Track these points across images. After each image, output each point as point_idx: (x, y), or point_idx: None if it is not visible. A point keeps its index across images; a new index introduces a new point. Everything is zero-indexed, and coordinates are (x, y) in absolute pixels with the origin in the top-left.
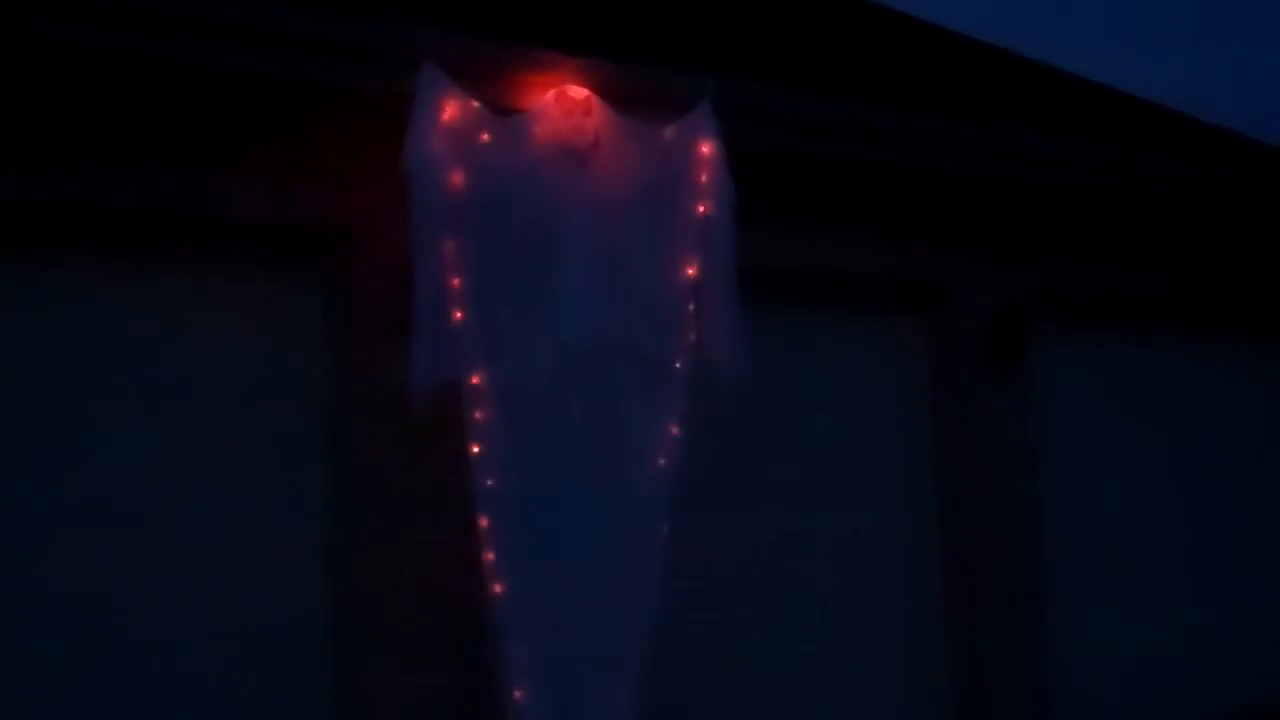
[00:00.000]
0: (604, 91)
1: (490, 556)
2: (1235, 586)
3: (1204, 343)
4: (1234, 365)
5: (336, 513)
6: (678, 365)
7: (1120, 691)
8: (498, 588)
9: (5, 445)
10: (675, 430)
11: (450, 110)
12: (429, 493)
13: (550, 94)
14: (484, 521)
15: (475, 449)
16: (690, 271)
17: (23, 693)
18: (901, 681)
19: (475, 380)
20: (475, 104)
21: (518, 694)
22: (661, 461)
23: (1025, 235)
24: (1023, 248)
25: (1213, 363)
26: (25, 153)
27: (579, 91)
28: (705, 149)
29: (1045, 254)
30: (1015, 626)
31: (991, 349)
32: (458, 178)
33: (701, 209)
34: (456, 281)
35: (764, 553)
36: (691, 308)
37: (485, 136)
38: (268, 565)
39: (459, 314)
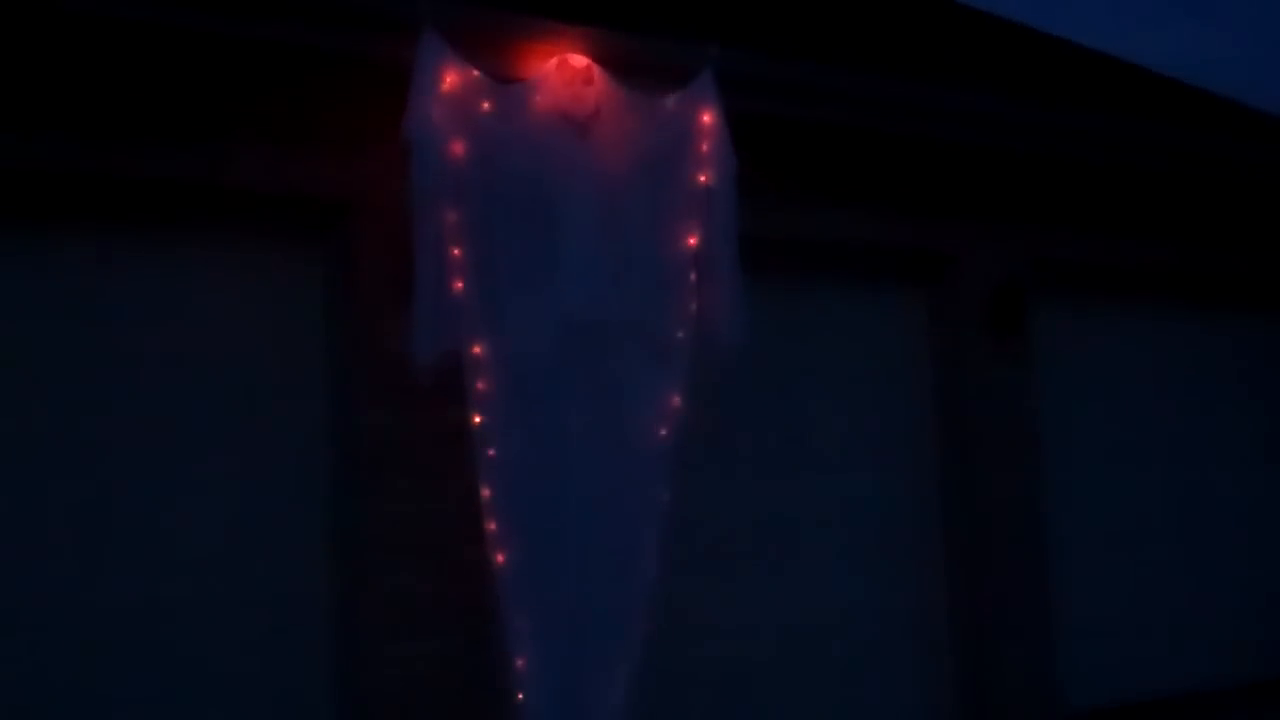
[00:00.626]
0: (605, 60)
1: (492, 526)
2: (1238, 558)
3: (1207, 314)
4: (1237, 336)
5: (338, 483)
6: (679, 335)
7: (1120, 660)
8: (500, 557)
9: (6, 413)
10: (676, 400)
11: (450, 79)
12: (431, 463)
13: (551, 63)
14: (486, 491)
15: (477, 419)
16: (691, 241)
17: (18, 661)
18: (901, 649)
19: (477, 350)
20: (475, 73)
21: (520, 662)
22: (662, 431)
23: (1028, 206)
24: (1025, 219)
25: (1216, 334)
26: (26, 120)
27: (580, 60)
28: (706, 118)
29: (1048, 225)
30: (1016, 596)
31: (993, 320)
32: (458, 147)
33: (703, 178)
34: (457, 251)
35: (763, 521)
36: (693, 277)
37: (485, 105)
38: (269, 535)
39: (460, 284)
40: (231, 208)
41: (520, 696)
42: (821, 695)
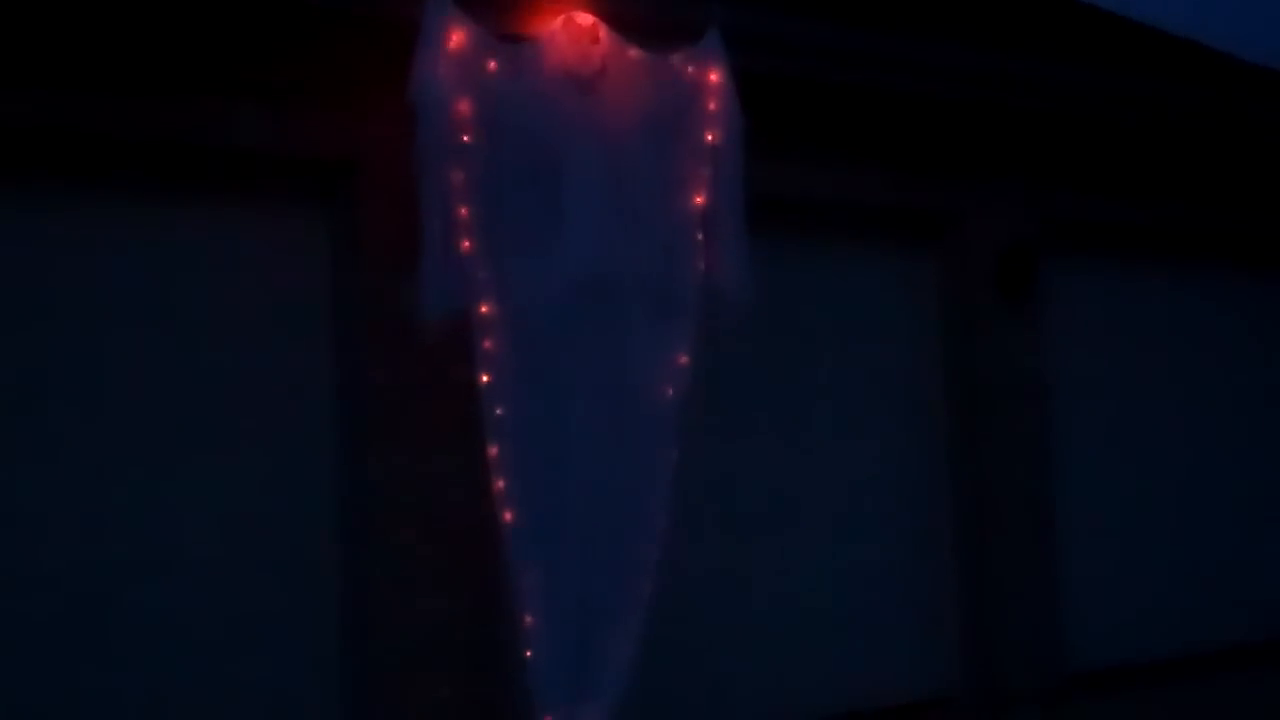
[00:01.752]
0: (611, 18)
1: (500, 484)
2: (1244, 517)
3: (1218, 274)
4: (1248, 296)
5: (345, 443)
6: (685, 294)
7: (1122, 622)
8: (508, 516)
9: (7, 377)
10: (683, 359)
11: (456, 37)
12: (438, 422)
13: (557, 21)
14: (493, 450)
15: (485, 378)
16: (698, 200)
17: (31, 616)
18: (905, 613)
19: (484, 309)
20: (482, 31)
21: (527, 619)
22: (669, 390)
23: (1038, 166)
24: (1035, 179)
25: (1227, 294)
26: (23, 80)
27: (586, 18)
28: (714, 77)
29: (1058, 185)
30: (1022, 555)
31: (1002, 281)
32: (464, 106)
33: (710, 137)
34: (464, 211)
35: (768, 482)
36: (699, 236)
37: (492, 64)
38: (275, 496)
39: (466, 243)
40: (237, 168)
41: (528, 654)
42: (825, 657)
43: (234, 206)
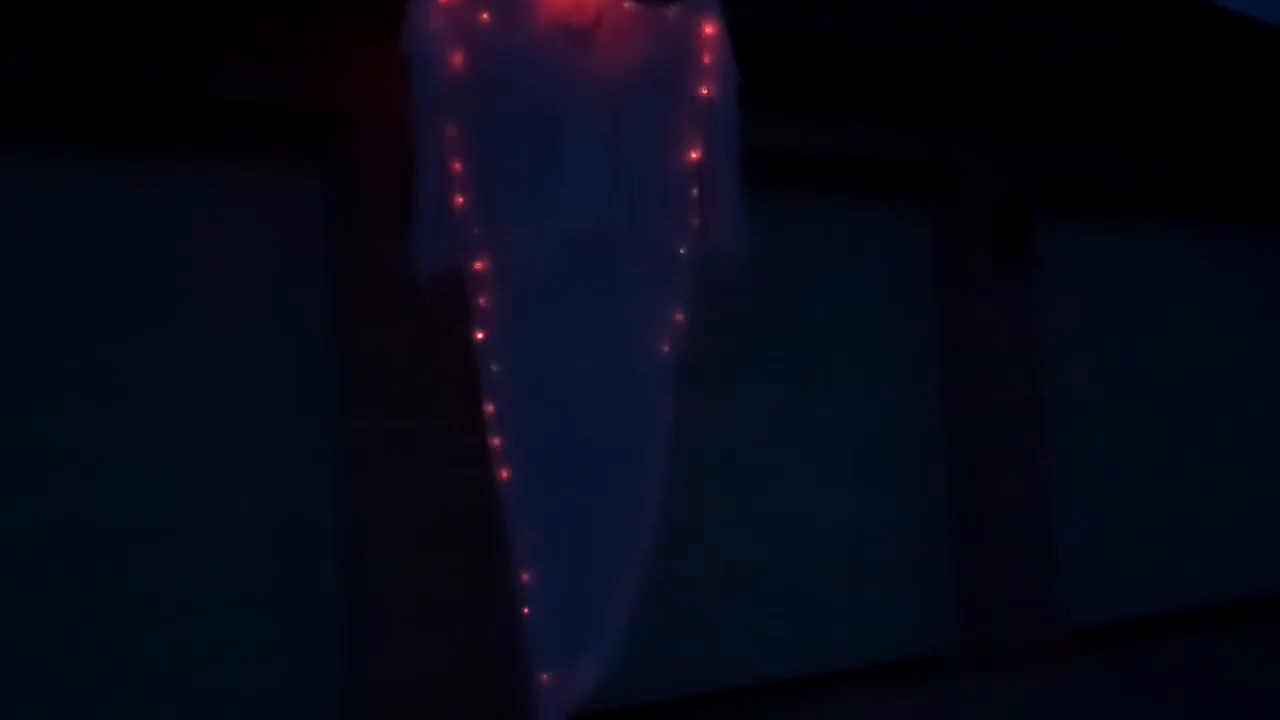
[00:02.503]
0: None
1: (496, 442)
2: (1243, 472)
3: (1217, 230)
4: (1243, 252)
5: (339, 400)
6: (680, 249)
7: (1121, 577)
8: (504, 473)
9: (6, 335)
10: (679, 315)
11: None
12: (434, 380)
13: None
14: (489, 407)
15: (479, 335)
16: (693, 155)
17: (24, 577)
18: (903, 565)
19: (479, 266)
20: None
21: (525, 577)
22: (665, 346)
23: (1033, 121)
24: (1033, 134)
25: (1223, 250)
26: (13, 37)
27: None
28: (708, 29)
29: (1056, 142)
30: (1018, 513)
31: (998, 236)
32: (458, 59)
33: (704, 91)
34: (458, 165)
35: (765, 436)
36: (695, 191)
37: (485, 16)
38: (274, 455)
39: (461, 199)
40: (228, 123)
41: (525, 610)
42: (823, 609)
43: (224, 161)
